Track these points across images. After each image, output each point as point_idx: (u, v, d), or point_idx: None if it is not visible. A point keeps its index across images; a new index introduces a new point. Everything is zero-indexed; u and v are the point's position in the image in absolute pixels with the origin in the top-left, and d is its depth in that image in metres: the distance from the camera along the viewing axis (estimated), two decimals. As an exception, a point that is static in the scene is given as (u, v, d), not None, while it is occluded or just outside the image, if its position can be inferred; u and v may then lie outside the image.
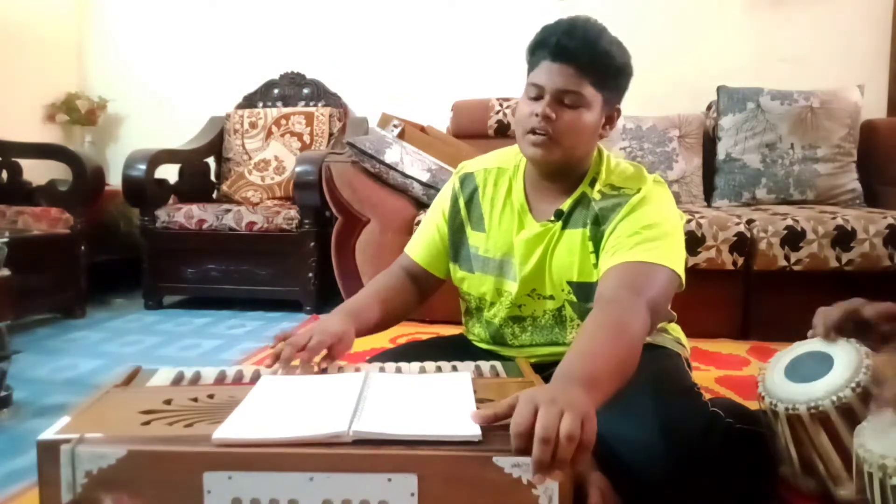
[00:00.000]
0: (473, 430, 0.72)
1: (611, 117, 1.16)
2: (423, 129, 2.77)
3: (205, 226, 2.83)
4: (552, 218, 1.18)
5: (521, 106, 1.14)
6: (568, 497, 0.71)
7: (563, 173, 1.18)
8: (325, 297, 2.83)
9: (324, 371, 1.02)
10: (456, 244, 1.29)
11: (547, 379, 0.87)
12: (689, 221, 2.20)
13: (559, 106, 1.09)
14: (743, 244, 2.20)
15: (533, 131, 1.11)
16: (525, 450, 0.69)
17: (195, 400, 0.86)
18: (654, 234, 1.08)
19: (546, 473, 0.68)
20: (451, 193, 1.30)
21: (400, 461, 0.70)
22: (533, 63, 1.13)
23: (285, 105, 3.43)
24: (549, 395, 0.72)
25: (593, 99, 1.10)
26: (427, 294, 1.33)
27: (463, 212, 1.28)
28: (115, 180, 3.18)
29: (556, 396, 0.72)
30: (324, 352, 1.05)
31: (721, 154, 2.83)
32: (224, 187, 3.21)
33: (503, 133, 3.07)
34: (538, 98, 1.11)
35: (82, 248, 2.70)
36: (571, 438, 0.68)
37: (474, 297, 1.29)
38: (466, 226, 1.28)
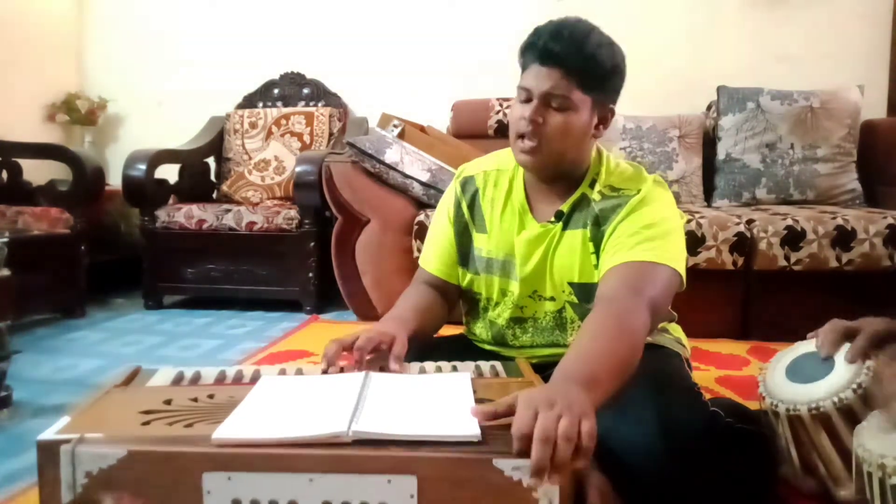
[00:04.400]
0: (473, 431, 0.72)
1: (604, 118, 1.15)
2: (423, 129, 2.77)
3: (205, 226, 2.83)
4: (552, 219, 1.18)
5: (512, 109, 1.15)
6: (568, 500, 0.71)
7: (559, 176, 1.18)
8: (325, 297, 2.83)
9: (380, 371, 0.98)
10: (463, 248, 1.29)
11: (547, 379, 0.87)
12: (689, 221, 2.20)
13: (547, 109, 1.09)
14: (743, 244, 2.20)
15: (522, 137, 1.11)
16: (527, 451, 0.69)
17: (195, 400, 0.86)
18: (654, 233, 1.08)
19: (543, 475, 0.68)
20: (453, 199, 1.30)
21: (400, 462, 0.70)
22: (523, 66, 1.13)
23: (285, 105, 3.43)
24: (549, 396, 0.72)
25: (581, 102, 1.10)
26: (454, 303, 1.33)
27: (466, 215, 1.28)
28: (115, 180, 3.18)
29: (555, 397, 0.72)
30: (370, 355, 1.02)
31: (721, 154, 2.83)
32: (224, 187, 3.21)
33: (503, 133, 3.06)
34: (527, 101, 1.11)
35: (82, 248, 2.70)
36: (569, 439, 0.68)
37: (483, 298, 1.29)
38: (471, 228, 1.28)
